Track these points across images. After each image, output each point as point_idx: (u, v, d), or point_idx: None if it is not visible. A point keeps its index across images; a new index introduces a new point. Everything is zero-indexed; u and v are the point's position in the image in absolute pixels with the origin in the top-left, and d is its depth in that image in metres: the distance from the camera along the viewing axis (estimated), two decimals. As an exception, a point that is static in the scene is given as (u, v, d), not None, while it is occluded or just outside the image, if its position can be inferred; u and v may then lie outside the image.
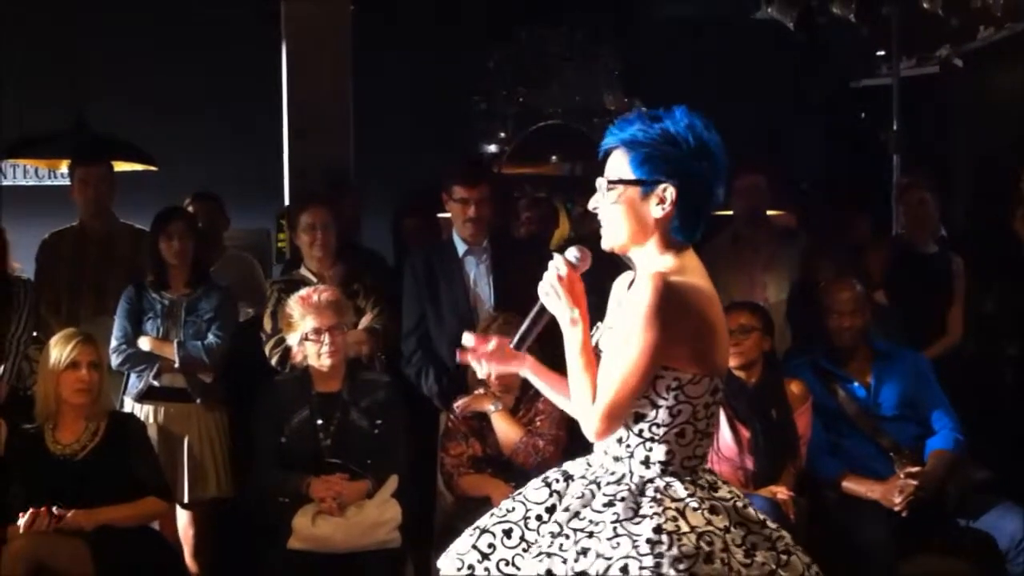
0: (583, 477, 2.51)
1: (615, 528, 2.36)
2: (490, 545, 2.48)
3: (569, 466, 2.57)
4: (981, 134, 8.17)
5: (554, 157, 9.35)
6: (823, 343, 4.70)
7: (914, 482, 4.33)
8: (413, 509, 4.33)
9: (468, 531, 2.54)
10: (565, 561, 2.38)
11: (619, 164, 2.47)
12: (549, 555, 2.40)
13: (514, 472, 4.24)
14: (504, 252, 4.77)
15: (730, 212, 5.47)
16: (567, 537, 2.41)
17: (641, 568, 2.29)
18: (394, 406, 4.41)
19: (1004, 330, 5.14)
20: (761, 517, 2.48)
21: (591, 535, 2.38)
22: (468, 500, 4.25)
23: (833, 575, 2.68)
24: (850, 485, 4.45)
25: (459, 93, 9.07)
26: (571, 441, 4.07)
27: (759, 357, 4.40)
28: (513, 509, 2.52)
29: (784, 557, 2.43)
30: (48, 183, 8.04)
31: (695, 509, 2.40)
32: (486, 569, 2.47)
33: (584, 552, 2.36)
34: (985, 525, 4.35)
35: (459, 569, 2.49)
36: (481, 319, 4.52)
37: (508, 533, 2.48)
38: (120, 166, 6.18)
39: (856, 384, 4.59)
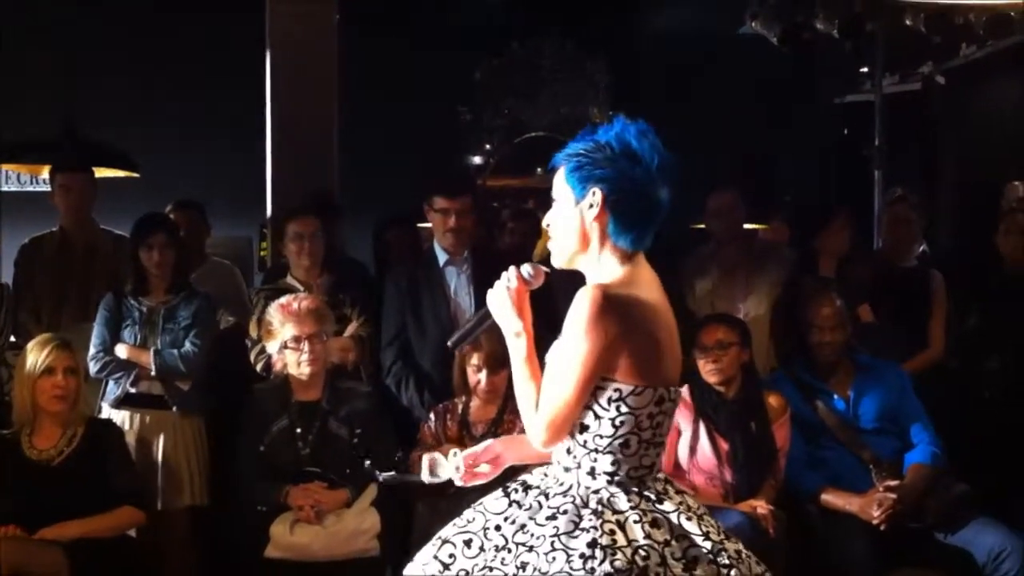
0: (537, 487, 2.52)
1: (552, 542, 2.39)
2: (451, 555, 2.49)
3: (529, 476, 2.59)
4: (963, 151, 8.23)
5: (539, 169, 9.36)
6: (803, 356, 4.71)
7: (893, 496, 4.33)
8: (392, 518, 4.31)
9: (432, 541, 2.55)
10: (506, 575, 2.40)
11: (559, 178, 2.52)
12: (491, 569, 2.43)
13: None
14: (485, 263, 4.75)
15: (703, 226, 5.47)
16: (509, 551, 2.43)
17: None
18: (374, 415, 4.40)
19: (985, 345, 5.15)
20: (705, 530, 2.46)
21: (531, 549, 2.41)
22: (440, 504, 4.21)
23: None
24: (829, 498, 4.45)
25: (445, 105, 9.09)
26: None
27: (738, 371, 4.40)
28: (473, 519, 2.53)
29: (725, 571, 2.42)
30: (31, 189, 8.02)
31: (636, 522, 2.40)
32: None
33: (523, 567, 2.40)
34: (963, 539, 4.35)
35: None
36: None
37: (468, 543, 2.49)
38: (101, 172, 6.15)
39: (836, 397, 4.60)
